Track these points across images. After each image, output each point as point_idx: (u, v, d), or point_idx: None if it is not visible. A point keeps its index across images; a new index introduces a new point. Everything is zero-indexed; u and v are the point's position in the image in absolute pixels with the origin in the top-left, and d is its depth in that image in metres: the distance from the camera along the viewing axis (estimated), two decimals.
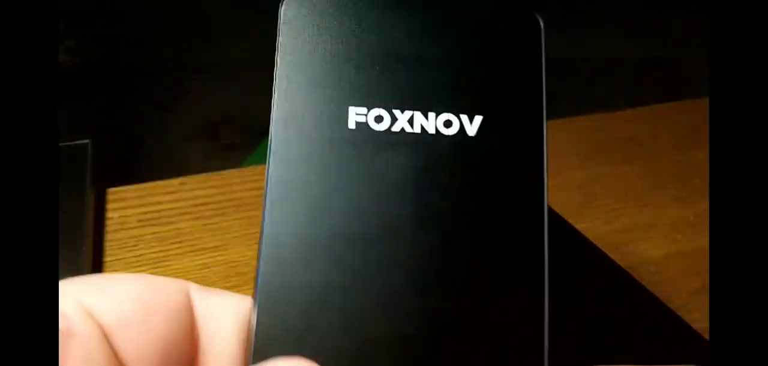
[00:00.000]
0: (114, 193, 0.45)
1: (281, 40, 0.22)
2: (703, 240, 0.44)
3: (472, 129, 0.21)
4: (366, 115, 0.21)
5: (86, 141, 0.45)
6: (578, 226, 0.44)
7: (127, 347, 0.20)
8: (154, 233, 0.43)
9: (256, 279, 0.20)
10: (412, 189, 0.21)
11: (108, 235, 0.42)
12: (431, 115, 0.21)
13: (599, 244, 0.42)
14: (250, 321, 0.20)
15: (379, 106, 0.21)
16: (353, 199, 0.21)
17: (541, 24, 0.22)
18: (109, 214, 0.44)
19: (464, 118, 0.21)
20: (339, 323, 0.20)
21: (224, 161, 1.48)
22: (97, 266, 0.40)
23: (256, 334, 0.20)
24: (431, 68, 0.22)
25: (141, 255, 0.41)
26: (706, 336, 0.36)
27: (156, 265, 0.41)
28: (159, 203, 0.45)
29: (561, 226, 0.43)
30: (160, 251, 0.42)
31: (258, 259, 0.20)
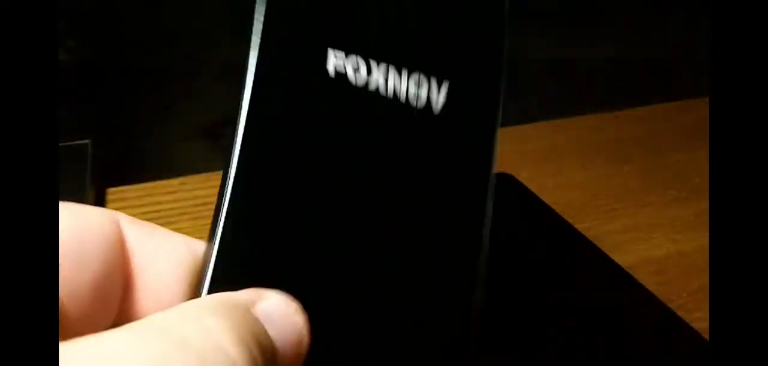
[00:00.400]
0: (114, 193, 0.45)
1: None
2: (703, 240, 0.44)
3: (439, 98, 0.22)
4: (344, 60, 0.22)
5: (86, 141, 0.45)
6: (578, 226, 0.44)
7: None
8: None
9: (216, 212, 0.20)
10: (374, 154, 0.22)
11: None
12: (404, 73, 0.22)
13: (599, 244, 0.42)
14: (205, 252, 0.20)
15: (356, 53, 0.22)
16: (328, 151, 0.21)
17: None
18: None
19: (433, 82, 0.22)
20: (301, 263, 0.21)
21: (224, 162, 1.48)
22: None
23: (214, 265, 0.20)
24: (411, 24, 0.22)
25: None
26: (707, 336, 0.36)
27: None
28: (159, 203, 0.45)
29: (561, 226, 0.43)
30: None
31: (223, 192, 0.20)
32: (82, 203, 0.41)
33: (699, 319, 0.38)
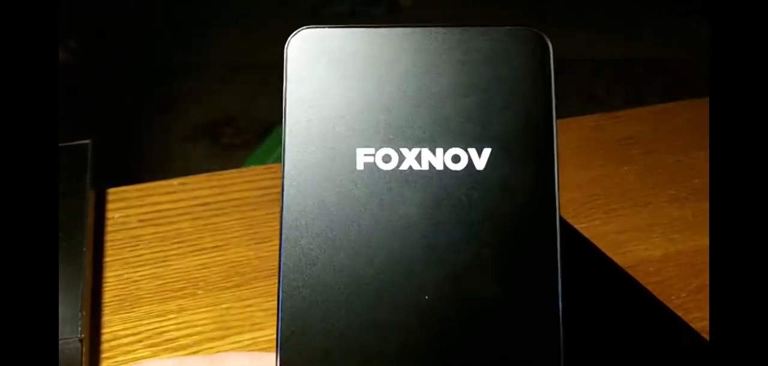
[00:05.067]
0: (114, 194, 0.45)
1: (289, 78, 0.22)
2: (703, 240, 0.44)
3: (480, 162, 0.21)
4: (374, 154, 0.21)
5: (86, 141, 0.45)
6: (578, 226, 0.44)
7: None
8: (154, 233, 0.43)
9: (276, 334, 0.21)
10: (421, 228, 0.21)
11: (108, 235, 0.42)
12: (439, 150, 0.21)
13: (599, 244, 0.42)
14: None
15: (386, 146, 0.21)
16: (367, 243, 0.21)
17: (550, 44, 0.22)
18: (109, 214, 0.44)
19: (473, 151, 0.21)
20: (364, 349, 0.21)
21: (224, 161, 1.48)
22: (97, 266, 0.40)
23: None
24: (438, 103, 0.22)
25: (141, 255, 0.41)
26: (706, 336, 0.36)
27: (156, 265, 0.41)
28: (159, 203, 0.45)
29: (560, 226, 0.43)
30: (161, 251, 0.42)
31: (278, 310, 0.21)
32: (82, 203, 0.41)
33: (698, 319, 0.38)
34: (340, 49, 0.22)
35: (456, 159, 0.21)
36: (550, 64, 0.22)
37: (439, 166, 0.21)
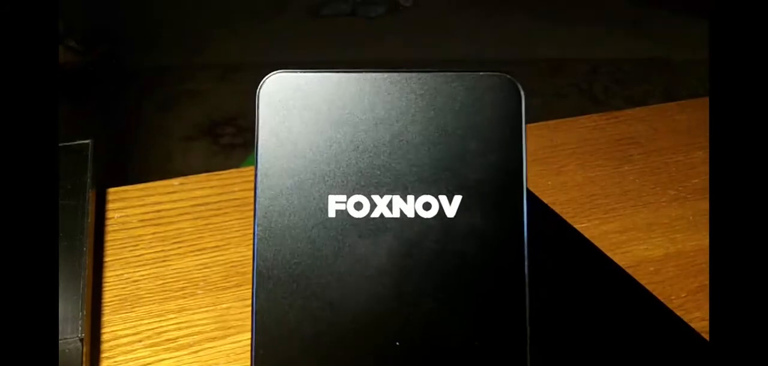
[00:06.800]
0: (114, 193, 0.45)
1: (260, 123, 0.22)
2: (702, 239, 0.44)
3: (451, 210, 0.22)
4: (346, 202, 0.22)
5: (87, 141, 0.45)
6: (578, 226, 0.44)
7: None
8: (154, 233, 0.43)
9: None
10: (393, 276, 0.22)
11: (108, 235, 0.42)
12: (410, 197, 0.22)
13: (598, 244, 0.42)
14: None
15: (357, 193, 0.22)
16: (339, 291, 0.21)
17: (522, 92, 0.22)
18: (109, 214, 0.44)
19: (443, 198, 0.22)
20: None
21: (224, 161, 1.48)
22: (97, 266, 0.40)
23: None
24: (410, 149, 0.22)
25: (141, 255, 0.41)
26: (706, 336, 0.36)
27: (156, 265, 0.41)
28: (159, 203, 0.45)
29: (560, 226, 0.43)
30: (161, 251, 0.42)
31: (251, 359, 0.21)
32: (82, 203, 0.41)
33: (698, 319, 0.38)
34: (313, 93, 0.22)
35: (427, 206, 0.22)
36: (521, 111, 0.22)
37: (411, 214, 0.22)
